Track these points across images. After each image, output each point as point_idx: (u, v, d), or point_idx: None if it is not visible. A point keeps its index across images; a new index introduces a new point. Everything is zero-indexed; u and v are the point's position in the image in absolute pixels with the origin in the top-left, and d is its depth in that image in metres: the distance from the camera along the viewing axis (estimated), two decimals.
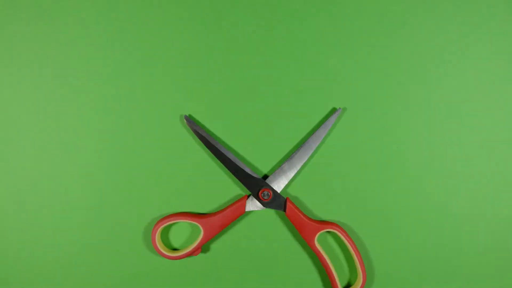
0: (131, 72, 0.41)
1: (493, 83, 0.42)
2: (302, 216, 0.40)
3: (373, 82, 0.41)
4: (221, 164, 0.41)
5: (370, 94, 0.41)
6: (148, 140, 0.41)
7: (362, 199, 0.42)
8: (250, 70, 0.41)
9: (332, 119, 0.40)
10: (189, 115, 0.41)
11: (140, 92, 0.41)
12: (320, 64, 0.41)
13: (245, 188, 0.42)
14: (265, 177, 0.42)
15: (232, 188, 0.42)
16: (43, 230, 0.42)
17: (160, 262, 0.43)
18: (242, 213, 0.40)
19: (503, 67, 0.42)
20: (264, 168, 0.42)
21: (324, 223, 0.40)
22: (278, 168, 0.40)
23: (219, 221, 0.40)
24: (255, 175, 0.40)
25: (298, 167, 0.40)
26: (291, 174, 0.40)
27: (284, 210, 0.40)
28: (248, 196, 0.40)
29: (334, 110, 0.41)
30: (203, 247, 0.42)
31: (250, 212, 0.42)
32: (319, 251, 0.40)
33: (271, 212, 0.42)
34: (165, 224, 0.40)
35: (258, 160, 0.42)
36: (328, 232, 0.42)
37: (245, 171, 0.40)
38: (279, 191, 0.40)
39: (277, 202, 0.40)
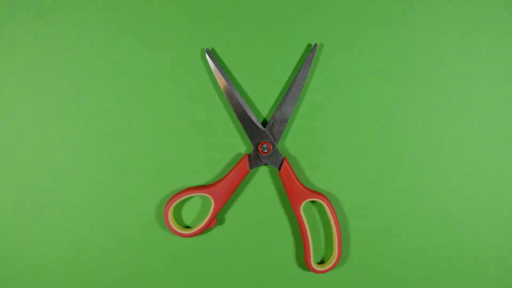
0: (131, 72, 0.41)
1: (493, 83, 0.41)
2: (294, 178, 0.40)
3: (373, 82, 0.41)
4: (226, 115, 0.41)
5: (370, 94, 0.41)
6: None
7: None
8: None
9: (311, 56, 0.40)
10: (212, 48, 0.41)
11: (140, 91, 0.41)
12: (320, 64, 0.42)
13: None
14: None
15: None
16: (43, 230, 0.42)
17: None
18: (246, 173, 0.40)
19: (503, 67, 0.41)
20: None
21: (314, 192, 0.40)
22: (270, 119, 0.40)
23: (227, 186, 0.40)
24: (259, 125, 0.40)
25: (288, 117, 0.40)
26: (282, 127, 0.40)
27: (279, 169, 0.40)
28: (249, 156, 0.40)
29: (311, 47, 0.41)
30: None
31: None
32: (302, 220, 0.40)
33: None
34: (175, 203, 0.40)
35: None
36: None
37: (251, 119, 0.40)
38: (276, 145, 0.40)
39: (275, 158, 0.40)
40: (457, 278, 0.43)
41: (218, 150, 0.42)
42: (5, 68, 0.41)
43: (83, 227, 0.42)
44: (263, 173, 0.42)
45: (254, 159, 0.40)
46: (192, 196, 0.42)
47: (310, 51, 0.40)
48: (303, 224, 0.40)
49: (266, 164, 0.42)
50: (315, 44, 0.40)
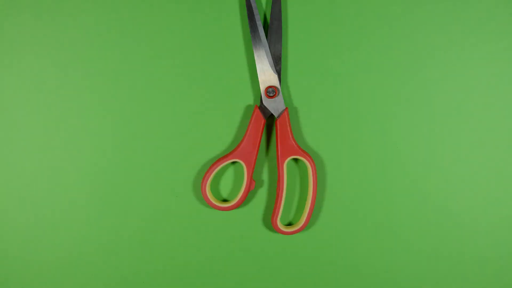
0: (133, 71, 0.42)
1: (493, 83, 0.42)
2: (289, 131, 0.40)
3: (373, 82, 0.42)
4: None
5: (369, 94, 0.42)
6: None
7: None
8: None
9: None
10: None
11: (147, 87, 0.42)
12: (320, 63, 0.42)
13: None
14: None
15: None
16: (43, 230, 0.42)
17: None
18: (264, 122, 0.40)
19: (503, 67, 0.42)
20: None
21: (303, 150, 0.41)
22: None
23: (251, 142, 0.40)
24: (273, 69, 0.41)
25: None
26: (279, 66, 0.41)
27: (278, 117, 0.41)
28: (259, 107, 0.41)
29: None
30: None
31: None
32: (282, 176, 0.40)
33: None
34: (210, 177, 0.40)
35: None
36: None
37: (267, 60, 0.41)
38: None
39: (277, 105, 0.41)
40: (457, 278, 0.43)
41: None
42: (5, 68, 0.41)
43: (83, 227, 0.42)
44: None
45: (263, 111, 0.41)
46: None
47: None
48: (282, 180, 0.40)
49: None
50: None
